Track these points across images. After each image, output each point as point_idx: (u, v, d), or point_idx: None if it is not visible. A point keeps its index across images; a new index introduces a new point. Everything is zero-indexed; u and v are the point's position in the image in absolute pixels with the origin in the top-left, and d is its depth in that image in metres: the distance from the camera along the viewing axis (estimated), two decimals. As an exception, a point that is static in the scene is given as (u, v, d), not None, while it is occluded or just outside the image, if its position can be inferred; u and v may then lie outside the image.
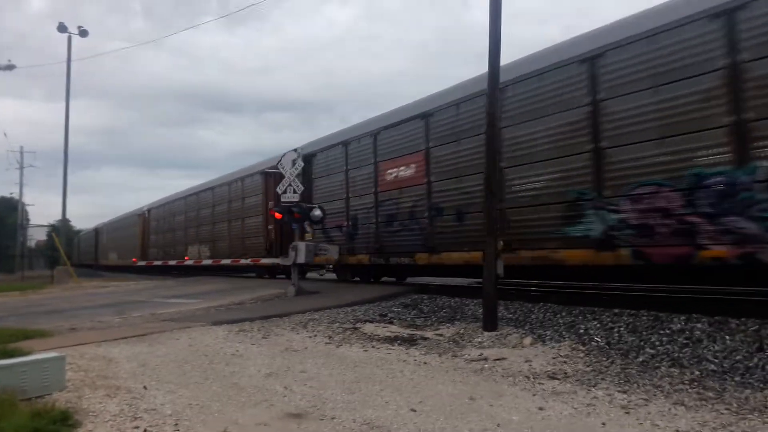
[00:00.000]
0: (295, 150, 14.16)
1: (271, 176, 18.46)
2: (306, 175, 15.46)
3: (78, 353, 6.50)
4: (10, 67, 23.26)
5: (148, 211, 33.38)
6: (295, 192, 13.11)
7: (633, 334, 6.63)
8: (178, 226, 27.82)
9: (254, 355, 6.44)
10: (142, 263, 33.05)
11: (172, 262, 28.02)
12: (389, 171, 12.93)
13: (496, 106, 8.00)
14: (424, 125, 11.99)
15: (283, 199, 13.21)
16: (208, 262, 23.52)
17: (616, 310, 7.71)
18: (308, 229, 14.37)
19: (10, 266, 48.58)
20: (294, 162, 13.41)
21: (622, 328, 6.90)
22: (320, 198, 15.14)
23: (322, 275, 17.30)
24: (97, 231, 49.82)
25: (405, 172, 12.45)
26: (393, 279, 14.70)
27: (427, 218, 11.70)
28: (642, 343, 6.30)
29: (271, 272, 19.82)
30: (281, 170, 13.79)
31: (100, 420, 4.07)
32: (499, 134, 8.72)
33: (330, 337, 7.62)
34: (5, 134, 66.80)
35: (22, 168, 51.63)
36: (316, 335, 7.77)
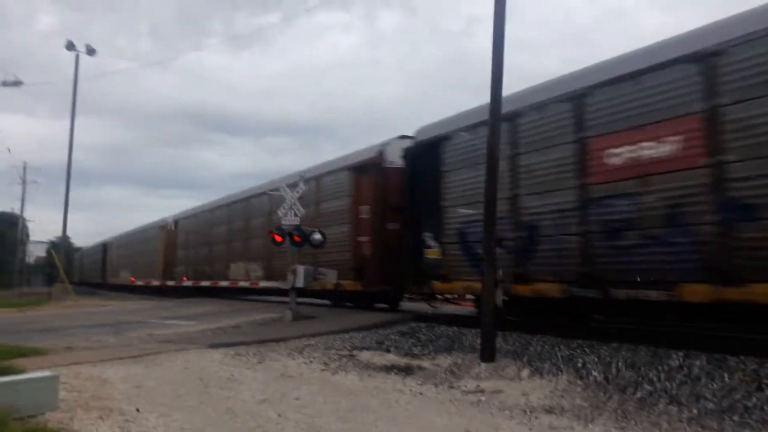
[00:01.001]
0: (300, 174, 14.23)
1: (366, 172, 14.08)
2: (427, 170, 11.64)
3: (72, 373, 6.46)
4: (17, 84, 23.55)
5: (175, 222, 28.88)
6: (295, 215, 13.12)
7: (631, 370, 6.58)
8: (217, 239, 23.16)
9: (249, 380, 6.40)
10: (170, 283, 28.12)
11: (205, 283, 23.36)
12: (613, 150, 8.34)
13: (496, 137, 8.04)
14: (701, 71, 7.38)
15: (283, 222, 13.22)
16: (264, 283, 18.43)
17: (615, 345, 7.66)
18: (432, 244, 11.42)
19: (7, 282, 48.45)
20: (296, 185, 13.46)
21: (620, 363, 6.85)
22: (456, 199, 10.89)
23: (435, 308, 13.51)
24: (105, 246, 45.46)
25: (653, 150, 7.87)
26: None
27: (714, 223, 7.11)
28: (640, 378, 6.25)
29: (364, 300, 14.84)
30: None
31: (92, 442, 4.03)
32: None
33: (326, 363, 7.57)
34: (9, 150, 67.16)
35: (24, 184, 51.80)
36: (311, 361, 7.72)
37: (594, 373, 6.61)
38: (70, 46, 29.08)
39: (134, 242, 36.06)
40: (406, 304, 15.00)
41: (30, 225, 59.69)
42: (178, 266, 27.50)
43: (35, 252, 70.97)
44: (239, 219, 21.34)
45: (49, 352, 8.15)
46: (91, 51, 29.57)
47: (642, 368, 6.57)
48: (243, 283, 20.21)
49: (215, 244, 23.31)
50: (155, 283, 30.05)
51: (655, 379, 6.19)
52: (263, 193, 18.96)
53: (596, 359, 7.14)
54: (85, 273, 56.00)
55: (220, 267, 22.32)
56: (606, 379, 6.40)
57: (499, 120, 8.14)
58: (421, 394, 5.88)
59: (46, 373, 5.18)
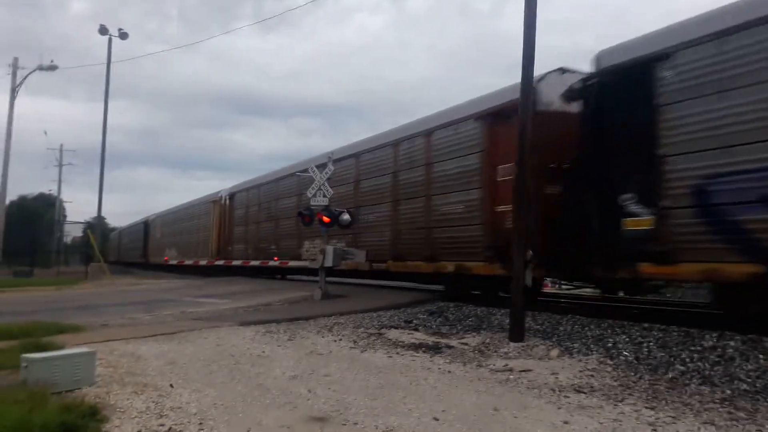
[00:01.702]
0: (329, 155, 14.22)
1: (506, 120, 10.36)
2: (624, 108, 8.41)
3: (108, 349, 6.63)
4: (52, 68, 23.99)
5: (230, 195, 25.58)
6: (324, 196, 13.16)
7: (663, 350, 6.50)
8: (283, 213, 19.90)
9: (280, 356, 6.49)
10: (219, 263, 25.46)
11: (273, 263, 20.43)
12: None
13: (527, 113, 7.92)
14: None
15: (312, 203, 13.27)
16: (362, 262, 14.26)
17: (646, 325, 7.56)
18: (637, 210, 8.10)
19: (46, 262, 49.82)
20: (325, 166, 13.48)
21: (651, 343, 6.77)
22: (687, 144, 7.47)
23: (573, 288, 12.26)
24: (147, 224, 42.34)
25: None
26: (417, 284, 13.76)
27: None
28: (672, 359, 6.17)
29: (499, 289, 11.21)
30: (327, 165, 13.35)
31: (127, 416, 4.14)
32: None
33: (355, 341, 7.64)
34: (45, 132, 68.83)
35: (61, 166, 52.88)
36: (341, 339, 7.79)
37: (625, 353, 6.55)
38: (103, 30, 29.50)
39: (181, 219, 32.98)
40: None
41: (67, 206, 61.07)
42: (236, 244, 24.35)
43: (72, 232, 72.63)
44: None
45: (85, 328, 8.36)
46: (123, 35, 29.96)
47: (674, 348, 6.48)
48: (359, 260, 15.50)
49: (283, 218, 19.97)
50: (205, 262, 27.51)
51: (687, 359, 6.11)
52: (349, 156, 15.79)
53: (627, 339, 7.07)
54: (124, 252, 52.90)
55: (290, 245, 18.77)
56: (637, 359, 6.33)
57: (530, 97, 8.01)
58: (449, 372, 5.90)
59: (84, 349, 5.33)
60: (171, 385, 5.07)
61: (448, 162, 12.01)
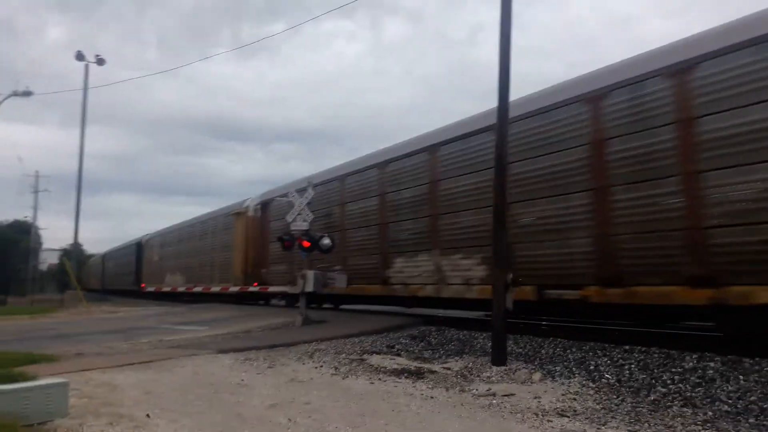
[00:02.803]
0: (308, 179, 14.22)
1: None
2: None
3: (83, 379, 6.47)
4: (27, 94, 23.82)
5: (263, 205, 20.21)
6: (304, 220, 13.12)
7: (644, 372, 6.51)
8: (354, 220, 14.94)
9: (259, 385, 6.38)
10: (253, 289, 20.03)
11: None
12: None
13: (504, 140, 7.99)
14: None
15: (292, 228, 13.21)
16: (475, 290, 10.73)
17: (627, 347, 7.58)
18: None
19: (21, 290, 48.84)
20: (305, 190, 13.46)
21: (633, 366, 6.78)
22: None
23: None
24: (140, 245, 36.64)
25: None
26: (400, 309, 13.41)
27: None
28: (653, 381, 6.18)
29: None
30: (291, 198, 13.56)
31: (101, 449, 4.02)
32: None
33: (336, 368, 7.54)
34: (20, 159, 68.31)
35: (36, 192, 52.25)
36: (322, 366, 7.69)
37: (607, 376, 6.55)
38: (80, 56, 29.46)
39: (188, 237, 27.83)
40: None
41: (42, 233, 60.22)
42: (273, 265, 18.76)
43: (49, 259, 71.53)
44: (391, 184, 13.49)
45: (60, 358, 8.17)
46: (100, 61, 29.96)
47: (655, 370, 6.50)
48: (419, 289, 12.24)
49: (352, 228, 14.95)
50: (218, 289, 22.89)
51: (668, 381, 6.12)
52: (422, 150, 12.73)
53: (608, 361, 7.08)
54: (110, 279, 46.69)
55: (367, 264, 14.19)
56: (619, 381, 6.33)
57: (507, 124, 8.07)
58: (431, 398, 5.84)
59: (56, 379, 5.18)
60: (147, 416, 4.94)
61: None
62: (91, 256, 65.58)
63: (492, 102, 8.22)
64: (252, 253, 20.78)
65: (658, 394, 5.79)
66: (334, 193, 15.79)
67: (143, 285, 34.82)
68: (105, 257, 51.45)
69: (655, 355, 7.04)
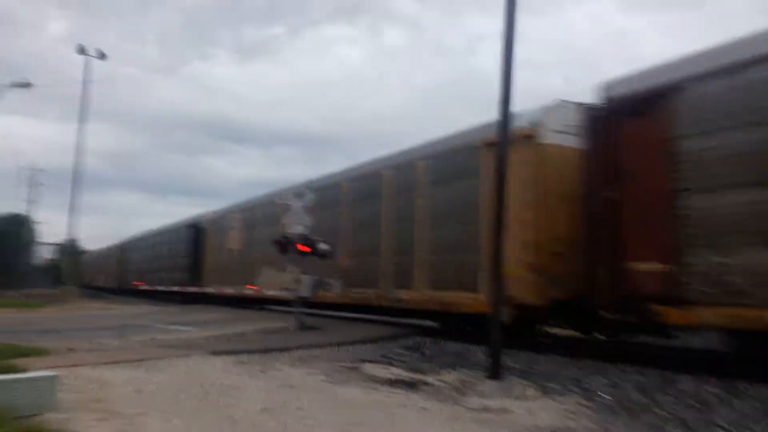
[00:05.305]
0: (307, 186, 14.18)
1: None
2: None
3: (73, 374, 6.39)
4: (26, 85, 23.87)
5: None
6: (302, 225, 13.07)
7: (640, 393, 6.44)
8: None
9: (251, 388, 6.31)
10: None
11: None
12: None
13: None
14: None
15: (289, 231, 13.16)
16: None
17: (623, 366, 7.53)
18: None
19: (14, 283, 48.72)
20: (302, 195, 13.41)
21: (629, 385, 6.72)
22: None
23: None
24: (199, 229, 26.03)
25: None
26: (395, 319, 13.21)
27: None
28: (649, 402, 6.11)
29: None
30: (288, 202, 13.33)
31: (89, 445, 3.95)
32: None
33: (329, 375, 7.47)
34: (17, 151, 68.23)
35: (33, 186, 52.08)
36: (315, 372, 7.62)
37: (603, 395, 6.48)
38: (81, 49, 29.50)
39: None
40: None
41: (39, 227, 59.86)
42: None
43: (43, 254, 71.26)
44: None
45: (50, 352, 8.09)
46: (101, 55, 30.06)
47: (651, 391, 6.44)
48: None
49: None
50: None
51: (664, 403, 6.06)
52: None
53: (605, 380, 7.02)
54: (125, 275, 37.20)
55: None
56: (614, 401, 6.27)
57: (508, 138, 7.92)
58: (425, 409, 5.77)
59: (46, 372, 5.12)
60: (137, 414, 4.87)
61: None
62: (83, 252, 65.08)
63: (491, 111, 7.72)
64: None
65: (653, 415, 5.71)
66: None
67: (204, 284, 24.38)
68: (123, 247, 40.73)
69: (652, 376, 7.00)
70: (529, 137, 9.76)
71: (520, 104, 8.21)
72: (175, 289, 27.11)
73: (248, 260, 20.22)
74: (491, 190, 8.15)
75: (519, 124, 9.23)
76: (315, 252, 12.94)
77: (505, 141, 7.87)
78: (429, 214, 11.99)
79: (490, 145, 9.56)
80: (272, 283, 17.04)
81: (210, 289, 23.29)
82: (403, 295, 12.38)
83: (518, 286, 9.14)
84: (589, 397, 6.42)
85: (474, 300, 10.29)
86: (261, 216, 19.87)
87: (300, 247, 12.73)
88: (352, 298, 14.16)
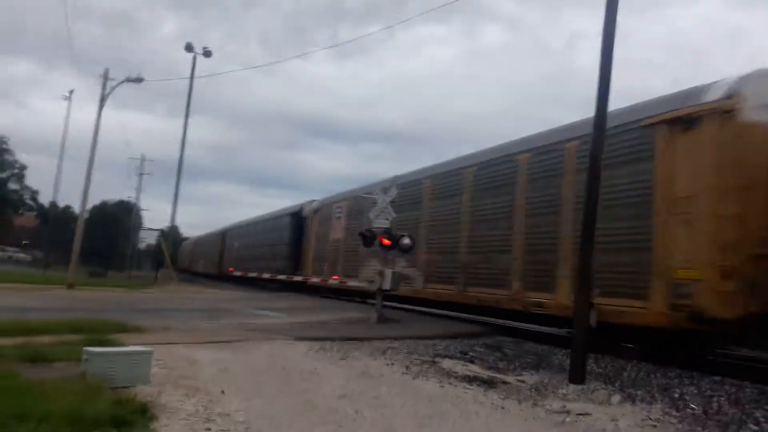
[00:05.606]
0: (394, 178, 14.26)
1: None
2: None
3: (166, 351, 6.76)
4: (139, 80, 25.34)
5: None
6: (386, 219, 13.16)
7: (734, 406, 6.06)
8: None
9: (330, 375, 6.45)
10: None
11: None
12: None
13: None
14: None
15: (375, 225, 13.29)
16: None
17: (717, 378, 7.11)
18: None
19: (120, 265, 51.94)
20: (387, 190, 13.50)
21: (722, 398, 6.34)
22: None
23: None
24: (300, 217, 25.25)
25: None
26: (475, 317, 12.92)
27: None
28: (744, 417, 5.74)
29: None
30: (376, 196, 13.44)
31: (176, 417, 4.18)
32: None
33: (407, 367, 7.50)
34: (128, 143, 72.92)
35: (141, 175, 55.31)
36: (393, 363, 7.68)
37: (692, 406, 6.15)
38: (189, 47, 31.00)
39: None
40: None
41: (143, 214, 63.53)
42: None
43: (148, 239, 75.46)
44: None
45: (147, 330, 8.59)
46: (207, 53, 31.42)
47: (747, 405, 6.04)
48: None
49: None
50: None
51: (761, 418, 5.67)
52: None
53: (695, 391, 6.66)
54: (228, 262, 35.54)
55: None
56: (705, 412, 5.93)
57: (603, 133, 7.67)
58: (502, 408, 5.69)
59: (142, 348, 5.45)
60: (222, 392, 5.10)
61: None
62: (186, 238, 68.54)
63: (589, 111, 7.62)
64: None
65: (748, 431, 5.37)
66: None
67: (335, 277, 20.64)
68: (225, 234, 39.59)
69: (748, 390, 6.57)
70: (727, 112, 7.97)
71: (619, 104, 7.61)
72: (275, 277, 26.27)
73: (352, 251, 19.07)
74: (668, 178, 7.53)
75: (713, 96, 8.10)
76: (397, 246, 13.00)
77: (600, 142, 7.57)
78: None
79: (671, 121, 8.40)
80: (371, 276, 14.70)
81: (314, 279, 22.27)
82: (543, 299, 10.70)
83: (708, 296, 7.70)
84: (678, 407, 6.11)
85: (645, 310, 8.58)
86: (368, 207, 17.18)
87: (382, 240, 12.82)
88: (474, 298, 12.78)
